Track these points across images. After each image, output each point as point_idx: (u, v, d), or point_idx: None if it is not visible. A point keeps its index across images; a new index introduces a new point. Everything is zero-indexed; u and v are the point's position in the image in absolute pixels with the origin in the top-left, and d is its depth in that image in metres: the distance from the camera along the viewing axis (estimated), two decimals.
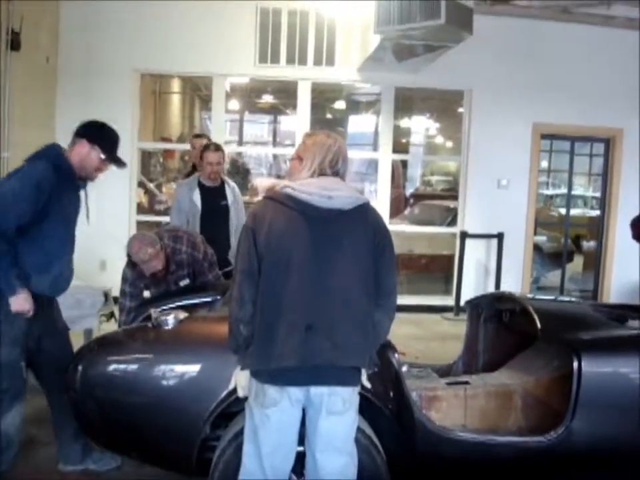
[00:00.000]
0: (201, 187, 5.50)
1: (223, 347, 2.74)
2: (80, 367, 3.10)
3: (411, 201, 14.11)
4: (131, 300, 4.46)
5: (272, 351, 2.54)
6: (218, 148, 5.50)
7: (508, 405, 3.66)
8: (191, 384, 3.04)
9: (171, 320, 3.19)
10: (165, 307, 3.85)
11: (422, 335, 7.49)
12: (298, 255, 2.57)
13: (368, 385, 2.80)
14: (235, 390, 2.78)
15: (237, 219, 5.51)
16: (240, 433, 2.82)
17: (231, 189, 5.65)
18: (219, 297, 4.05)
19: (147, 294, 4.61)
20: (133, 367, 3.10)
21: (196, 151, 5.92)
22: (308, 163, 2.70)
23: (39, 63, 7.59)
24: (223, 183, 5.61)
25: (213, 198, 5.53)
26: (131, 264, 4.39)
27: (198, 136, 6.53)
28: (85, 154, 3.53)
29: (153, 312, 3.45)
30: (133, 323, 4.04)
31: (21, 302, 3.35)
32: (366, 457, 2.91)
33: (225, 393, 2.93)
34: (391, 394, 3.14)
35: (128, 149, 7.24)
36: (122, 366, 3.11)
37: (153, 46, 8.13)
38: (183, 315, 3.27)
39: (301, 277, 2.56)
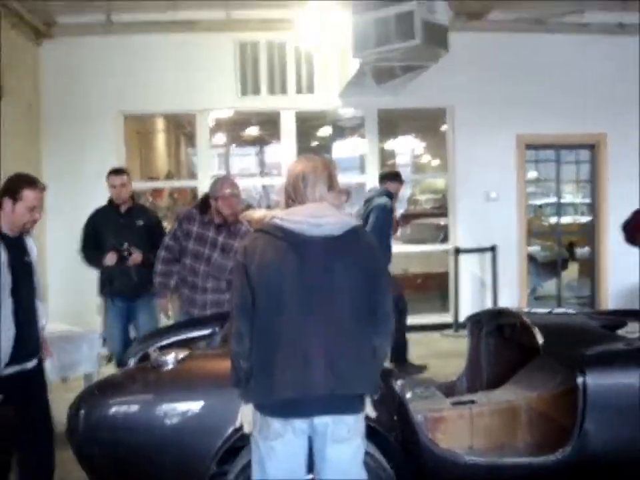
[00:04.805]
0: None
1: (225, 383, 2.72)
2: (82, 412, 3.07)
3: (401, 222, 14.11)
4: (167, 251, 4.91)
5: (272, 384, 2.52)
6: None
7: (514, 422, 3.64)
8: (197, 423, 3.01)
9: (170, 359, 3.16)
10: (162, 344, 3.83)
11: (423, 353, 7.44)
12: (290, 285, 2.56)
13: (372, 414, 2.77)
14: (241, 427, 2.75)
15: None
16: (247, 466, 2.82)
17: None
18: (217, 329, 4.04)
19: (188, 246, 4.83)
20: (136, 408, 3.07)
21: (116, 189, 5.45)
22: (283, 193, 2.75)
23: (21, 110, 7.58)
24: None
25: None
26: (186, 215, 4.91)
27: (116, 172, 5.54)
28: None
29: (152, 352, 3.42)
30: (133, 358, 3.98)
31: None
32: None
33: (231, 429, 2.91)
34: (396, 420, 3.12)
35: None
36: (125, 408, 3.07)
37: (135, 87, 8.16)
38: (182, 353, 3.24)
39: (295, 307, 2.55)
